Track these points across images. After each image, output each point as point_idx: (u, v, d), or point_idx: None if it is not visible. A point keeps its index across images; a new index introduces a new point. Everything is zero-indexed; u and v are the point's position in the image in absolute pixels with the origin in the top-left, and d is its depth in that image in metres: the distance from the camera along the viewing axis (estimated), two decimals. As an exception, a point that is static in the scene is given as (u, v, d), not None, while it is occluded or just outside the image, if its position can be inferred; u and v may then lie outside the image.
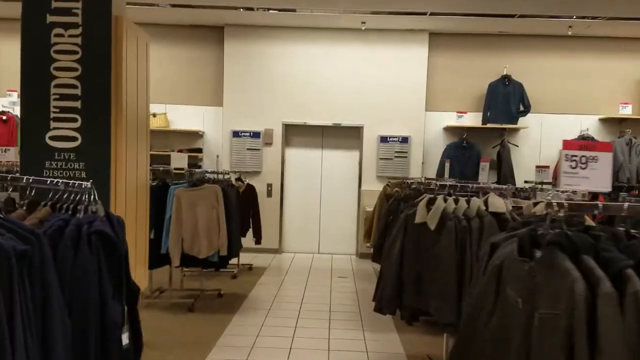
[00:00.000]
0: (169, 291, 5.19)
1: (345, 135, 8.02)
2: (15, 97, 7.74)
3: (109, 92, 3.31)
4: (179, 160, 5.45)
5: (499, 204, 2.94)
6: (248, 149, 7.93)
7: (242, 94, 7.87)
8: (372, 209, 6.56)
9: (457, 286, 2.85)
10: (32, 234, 1.74)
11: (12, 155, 5.47)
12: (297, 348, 4.03)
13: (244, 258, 6.81)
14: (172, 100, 7.74)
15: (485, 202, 2.99)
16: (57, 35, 3.28)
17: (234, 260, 5.98)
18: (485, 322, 1.84)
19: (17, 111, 7.61)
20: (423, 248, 3.03)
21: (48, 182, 2.14)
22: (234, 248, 5.22)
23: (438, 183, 3.45)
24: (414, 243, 3.11)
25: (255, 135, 7.90)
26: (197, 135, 7.97)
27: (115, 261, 2.03)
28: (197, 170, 5.75)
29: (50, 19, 3.29)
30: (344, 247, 8.09)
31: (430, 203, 3.06)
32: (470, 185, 3.30)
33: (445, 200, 3.04)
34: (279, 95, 7.87)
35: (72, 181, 2.13)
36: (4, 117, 7.49)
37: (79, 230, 1.96)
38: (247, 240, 6.39)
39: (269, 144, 7.95)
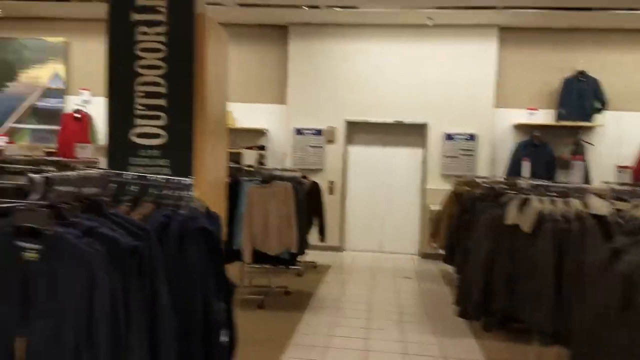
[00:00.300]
0: (238, 287, 5.22)
1: (409, 133, 7.87)
2: (87, 95, 8.03)
3: (192, 90, 3.33)
4: (250, 158, 5.48)
5: (599, 205, 2.77)
6: (310, 146, 7.92)
7: (305, 92, 7.87)
8: (437, 208, 6.40)
9: (554, 292, 2.70)
10: (142, 230, 1.74)
11: (89, 152, 5.65)
12: (372, 350, 3.96)
13: (307, 255, 6.79)
14: (237, 98, 7.81)
15: (584, 204, 2.82)
16: (141, 33, 3.32)
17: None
18: (611, 333, 1.71)
19: (89, 109, 7.90)
20: (515, 251, 2.89)
21: (149, 177, 2.15)
22: (303, 245, 5.21)
23: (529, 183, 3.28)
24: (505, 245, 2.97)
25: (318, 132, 7.88)
26: (260, 133, 8.03)
27: (217, 259, 2.02)
28: (266, 167, 5.78)
29: (134, 17, 3.33)
30: (407, 246, 7.95)
31: (523, 203, 2.91)
32: (568, 185, 3.12)
33: (540, 201, 2.89)
34: (342, 93, 7.81)
35: (172, 177, 2.13)
36: (78, 115, 7.78)
37: (183, 227, 1.95)
38: (310, 238, 6.36)
39: (331, 141, 7.91)
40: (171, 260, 1.90)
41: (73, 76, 8.14)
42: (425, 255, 7.62)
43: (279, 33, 7.96)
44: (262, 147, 7.99)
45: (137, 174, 2.10)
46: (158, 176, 2.12)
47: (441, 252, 5.76)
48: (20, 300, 1.42)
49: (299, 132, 7.90)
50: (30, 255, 1.42)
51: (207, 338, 1.97)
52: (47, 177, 1.50)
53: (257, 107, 8.01)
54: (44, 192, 1.49)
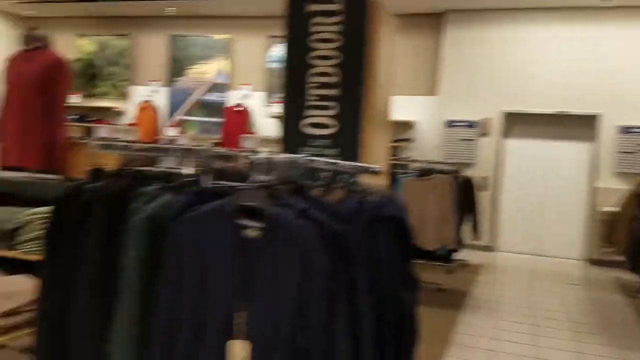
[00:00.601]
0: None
1: (574, 125, 7.20)
2: (247, 90, 8.51)
3: (364, 80, 3.32)
4: (404, 150, 5.39)
5: None
6: (462, 139, 7.60)
7: (459, 82, 7.56)
8: (611, 210, 5.76)
9: None
10: (340, 215, 1.73)
11: (252, 142, 6.00)
12: (543, 359, 3.65)
13: (457, 253, 6.53)
14: (388, 90, 7.77)
15: None
16: (316, 24, 3.38)
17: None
18: None
19: (248, 103, 8.38)
20: None
21: (336, 164, 2.15)
22: (459, 242, 5.01)
23: None
24: None
25: (471, 125, 7.53)
26: (408, 125, 7.89)
27: (405, 249, 1.96)
28: (414, 160, 5.66)
29: (310, 7, 3.40)
30: (570, 250, 7.29)
31: None
32: None
33: None
34: (500, 83, 7.37)
35: (361, 164, 2.11)
36: (239, 109, 8.29)
37: (373, 214, 1.91)
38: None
39: (485, 134, 7.52)
40: (363, 247, 1.88)
41: (235, 72, 8.68)
42: (594, 261, 6.92)
43: (433, 21, 7.73)
44: (409, 140, 7.85)
45: (328, 160, 2.11)
46: (347, 163, 2.11)
47: (618, 258, 5.16)
48: (241, 277, 1.48)
49: (450, 124, 7.62)
50: (252, 232, 1.47)
51: (397, 330, 1.91)
52: (267, 159, 1.54)
53: (405, 99, 7.87)
54: (264, 173, 1.53)
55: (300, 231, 1.45)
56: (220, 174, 2.00)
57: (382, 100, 3.68)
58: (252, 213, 1.50)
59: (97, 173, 1.79)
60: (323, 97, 3.39)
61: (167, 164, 2.31)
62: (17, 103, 2.76)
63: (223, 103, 8.62)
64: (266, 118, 8.34)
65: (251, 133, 7.72)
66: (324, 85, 3.38)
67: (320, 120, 3.41)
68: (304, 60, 3.42)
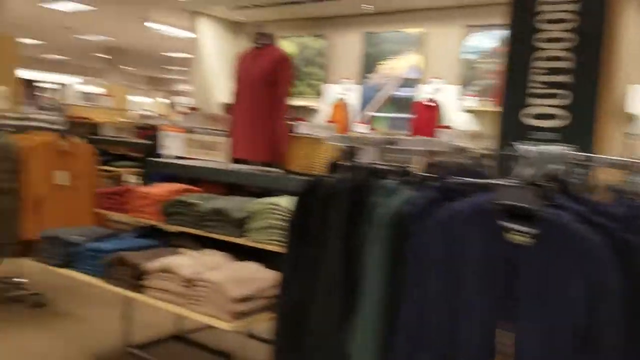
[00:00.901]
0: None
1: None
2: (437, 84, 8.18)
3: (603, 66, 2.85)
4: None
5: None
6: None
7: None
8: None
9: None
10: (621, 221, 1.41)
11: (446, 137, 5.70)
12: None
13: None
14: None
15: None
16: (545, 2, 2.99)
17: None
18: None
19: (439, 97, 8.07)
20: None
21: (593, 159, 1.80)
22: None
23: None
24: None
25: None
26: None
27: None
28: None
29: (536, -14, 3.02)
30: None
31: None
32: None
33: None
34: None
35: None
36: (431, 104, 8.02)
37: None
38: None
39: None
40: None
41: (427, 65, 8.42)
42: None
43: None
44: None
45: (590, 155, 1.78)
46: (619, 158, 1.75)
47: None
48: (504, 289, 1.27)
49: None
50: (520, 237, 1.25)
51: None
52: (537, 153, 1.31)
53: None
54: (535, 168, 1.30)
55: (586, 240, 1.19)
56: (451, 170, 1.81)
57: (622, 89, 3.15)
58: (519, 215, 1.28)
59: (335, 166, 1.74)
60: (551, 85, 2.99)
61: (366, 158, 2.21)
62: (246, 98, 2.92)
63: (413, 98, 8.43)
64: (459, 112, 7.95)
65: (447, 127, 7.40)
66: (553, 71, 2.98)
67: (547, 110, 3.02)
68: (529, 43, 3.06)
